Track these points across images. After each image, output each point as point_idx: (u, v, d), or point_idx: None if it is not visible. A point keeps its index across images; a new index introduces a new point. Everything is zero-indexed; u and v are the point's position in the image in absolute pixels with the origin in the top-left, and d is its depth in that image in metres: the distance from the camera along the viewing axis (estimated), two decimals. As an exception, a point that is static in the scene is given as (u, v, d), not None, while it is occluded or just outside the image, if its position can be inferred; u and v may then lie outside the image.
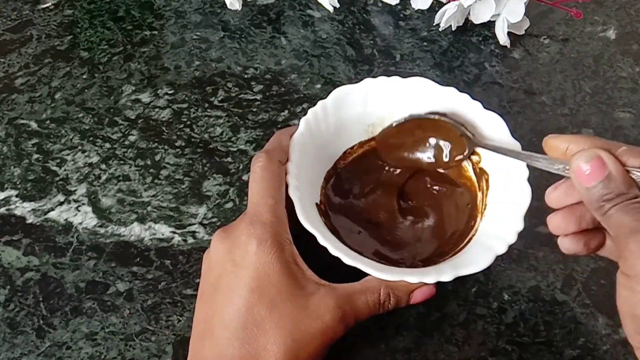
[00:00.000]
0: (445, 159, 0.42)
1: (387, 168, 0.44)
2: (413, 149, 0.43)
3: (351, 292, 0.36)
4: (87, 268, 0.43)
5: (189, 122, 0.50)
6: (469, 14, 0.54)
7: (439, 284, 0.36)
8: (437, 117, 0.42)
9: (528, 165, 0.38)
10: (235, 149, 0.49)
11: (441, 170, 0.44)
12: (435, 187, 0.43)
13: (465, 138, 0.41)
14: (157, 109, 0.51)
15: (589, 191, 0.31)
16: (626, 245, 0.29)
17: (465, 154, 0.41)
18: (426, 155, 0.43)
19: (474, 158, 0.42)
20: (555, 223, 0.35)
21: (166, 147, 0.49)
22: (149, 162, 0.48)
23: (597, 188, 0.31)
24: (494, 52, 0.55)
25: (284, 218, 0.37)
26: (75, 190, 0.47)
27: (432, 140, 0.42)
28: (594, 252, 0.35)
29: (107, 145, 0.49)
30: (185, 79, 0.53)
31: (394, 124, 0.43)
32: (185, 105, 0.51)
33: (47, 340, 0.40)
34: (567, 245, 0.35)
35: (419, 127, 0.43)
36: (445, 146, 0.42)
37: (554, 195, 0.35)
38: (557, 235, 0.35)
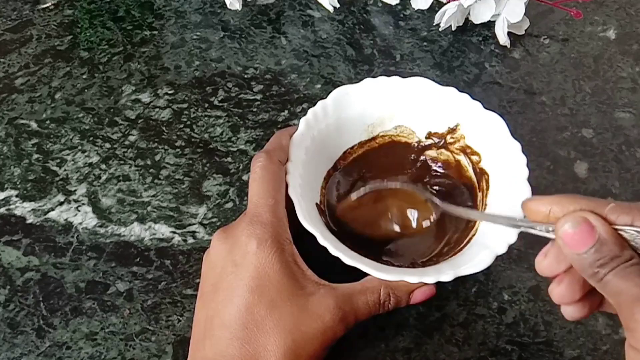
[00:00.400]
0: (414, 225, 0.41)
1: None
2: (378, 218, 0.41)
3: (351, 292, 0.36)
4: (87, 268, 0.43)
5: (189, 122, 0.50)
6: (469, 14, 0.54)
7: (439, 284, 0.36)
8: (398, 185, 0.41)
9: (527, 166, 0.38)
10: (235, 149, 0.49)
11: (441, 170, 0.44)
12: (435, 187, 0.43)
13: (430, 203, 0.40)
14: (157, 109, 0.51)
15: (581, 258, 0.28)
16: (632, 316, 0.27)
17: (432, 218, 0.40)
18: (393, 224, 0.41)
19: (474, 158, 0.42)
20: (559, 294, 0.31)
21: (166, 147, 0.49)
22: (149, 162, 0.48)
23: (589, 254, 0.28)
24: (494, 52, 0.55)
25: (284, 218, 0.37)
26: (75, 190, 0.47)
27: (396, 210, 0.41)
28: (596, 310, 0.33)
29: (107, 145, 0.49)
30: (185, 79, 0.53)
31: (352, 197, 0.41)
32: (185, 105, 0.51)
33: (47, 340, 0.40)
34: (572, 313, 0.32)
35: (380, 197, 0.41)
36: (412, 213, 0.41)
37: (545, 264, 0.32)
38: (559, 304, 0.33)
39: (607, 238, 0.28)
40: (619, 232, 0.28)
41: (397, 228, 0.41)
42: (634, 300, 0.27)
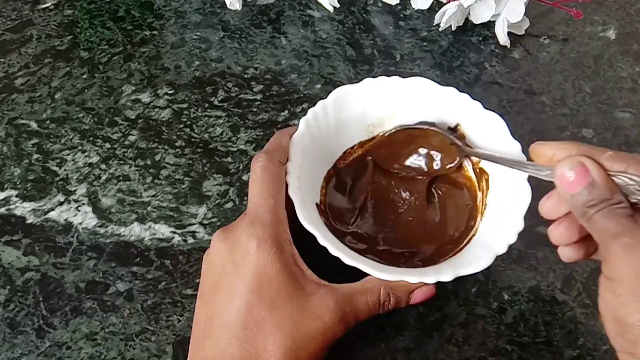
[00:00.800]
0: (437, 167, 0.42)
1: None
2: (404, 158, 0.43)
3: (351, 293, 0.36)
4: (87, 268, 0.43)
5: (189, 122, 0.50)
6: (469, 14, 0.54)
7: (439, 284, 0.36)
8: (426, 127, 0.42)
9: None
10: (235, 149, 0.49)
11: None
12: (435, 187, 0.43)
13: (455, 146, 0.41)
14: (157, 109, 0.51)
15: (574, 198, 0.31)
16: (608, 249, 0.29)
17: (455, 162, 0.42)
18: (417, 164, 0.43)
19: (474, 158, 0.42)
20: (558, 234, 0.35)
21: (166, 147, 0.49)
22: (149, 162, 0.48)
23: (582, 194, 0.31)
24: (494, 52, 0.55)
25: (284, 218, 0.37)
26: (75, 190, 0.47)
27: (423, 150, 0.43)
28: (591, 255, 0.35)
29: (107, 145, 0.49)
30: (185, 79, 0.53)
31: (385, 134, 0.43)
32: (185, 105, 0.51)
33: (47, 340, 0.40)
34: (569, 254, 0.35)
35: (408, 137, 0.43)
36: (436, 155, 0.42)
37: (547, 205, 0.35)
38: (547, 220, 0.36)
39: (599, 181, 0.31)
40: (612, 177, 0.31)
41: (423, 167, 0.43)
42: (613, 236, 0.29)
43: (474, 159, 0.42)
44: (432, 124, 0.43)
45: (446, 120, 0.43)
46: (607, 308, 0.29)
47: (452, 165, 0.42)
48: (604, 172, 0.31)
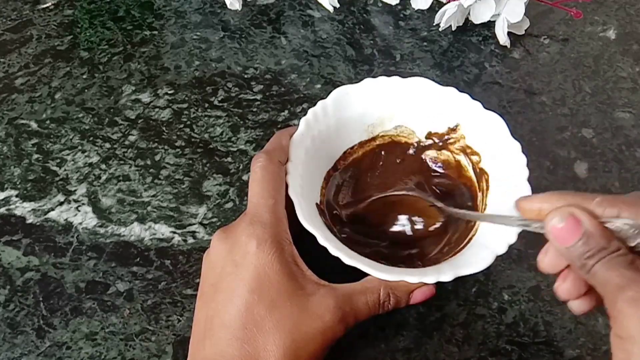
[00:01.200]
0: (420, 228, 0.42)
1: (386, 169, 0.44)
2: (385, 226, 0.42)
3: (351, 293, 0.36)
4: (87, 268, 0.43)
5: (189, 122, 0.50)
6: (469, 14, 0.54)
7: (439, 284, 0.36)
8: (402, 192, 0.42)
9: (527, 166, 0.38)
10: (235, 149, 0.49)
11: (441, 170, 0.44)
12: (435, 187, 0.43)
13: (435, 208, 0.41)
14: (157, 109, 0.51)
15: (569, 251, 0.30)
16: (614, 305, 0.28)
17: (439, 223, 0.41)
18: (400, 229, 0.42)
19: (474, 158, 0.42)
20: (565, 290, 0.33)
21: (166, 147, 0.49)
22: (149, 162, 0.48)
23: (577, 246, 0.30)
24: (494, 52, 0.55)
25: (284, 218, 0.37)
26: (75, 190, 0.47)
27: (402, 216, 0.42)
28: (602, 303, 0.33)
29: (107, 145, 0.49)
30: (185, 79, 0.53)
31: (361, 206, 0.42)
32: (185, 105, 0.51)
33: (47, 340, 0.40)
34: (580, 307, 0.33)
35: (385, 205, 0.42)
36: (417, 219, 0.42)
37: (546, 261, 0.33)
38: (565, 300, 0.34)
39: (593, 231, 0.29)
40: (606, 224, 0.29)
41: (408, 231, 0.42)
42: (617, 289, 0.28)
43: (474, 158, 0.42)
44: (410, 188, 0.42)
45: (445, 122, 0.43)
46: None
47: (437, 226, 0.41)
48: (596, 220, 0.29)
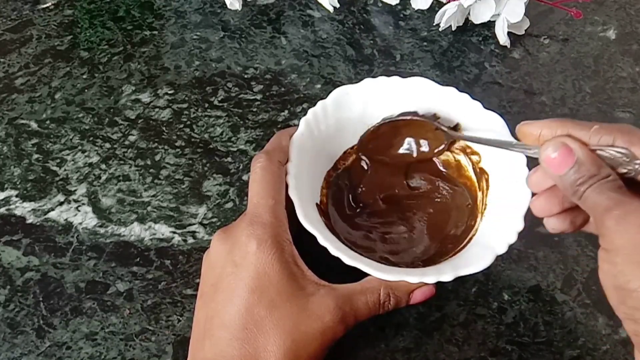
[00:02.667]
0: (425, 151, 0.43)
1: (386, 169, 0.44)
2: (393, 149, 0.44)
3: (351, 293, 0.36)
4: (87, 268, 0.43)
5: (189, 122, 0.50)
6: (469, 14, 0.54)
7: (439, 284, 0.36)
8: (409, 117, 0.43)
9: (527, 166, 0.38)
10: (235, 149, 0.49)
11: (442, 169, 0.44)
12: (435, 187, 0.44)
13: (440, 131, 0.42)
14: (157, 109, 0.51)
15: (562, 178, 0.32)
16: (602, 223, 0.30)
17: (443, 145, 0.42)
18: (406, 151, 0.44)
19: (474, 158, 0.42)
20: (539, 206, 0.36)
21: (166, 147, 0.49)
22: (149, 162, 0.48)
23: (569, 174, 0.32)
24: (494, 52, 0.55)
25: (284, 218, 0.37)
26: (75, 190, 0.47)
27: (409, 139, 0.43)
28: (580, 228, 0.36)
29: (107, 145, 0.49)
30: (185, 79, 0.53)
31: (370, 129, 0.43)
32: (185, 105, 0.51)
33: (47, 340, 0.40)
34: (553, 224, 0.36)
35: (393, 128, 0.43)
36: (423, 142, 0.43)
37: (534, 178, 0.35)
38: (542, 218, 0.36)
39: (584, 159, 0.32)
40: (599, 152, 0.32)
41: (413, 153, 0.43)
42: (605, 210, 0.30)
43: (474, 158, 0.42)
44: (415, 113, 0.43)
45: (445, 122, 0.43)
46: (608, 278, 0.30)
47: (440, 149, 0.43)
48: (588, 149, 0.32)
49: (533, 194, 0.36)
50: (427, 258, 0.40)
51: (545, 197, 0.35)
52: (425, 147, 0.43)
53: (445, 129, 0.41)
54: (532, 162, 0.35)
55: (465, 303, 0.42)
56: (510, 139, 0.38)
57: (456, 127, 0.43)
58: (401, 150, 0.44)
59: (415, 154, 0.43)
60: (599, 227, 0.30)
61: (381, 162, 0.44)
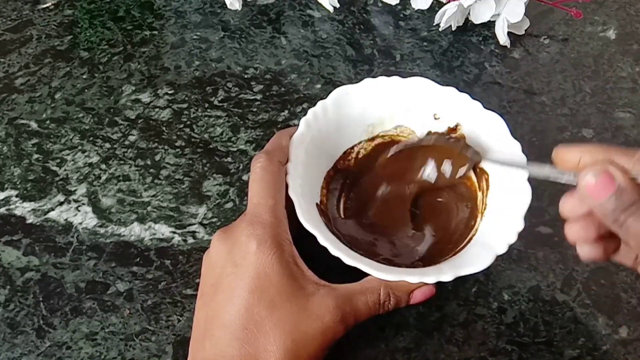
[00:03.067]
0: (447, 176, 0.42)
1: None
2: (413, 173, 0.43)
3: (351, 293, 0.36)
4: (87, 268, 0.43)
5: (189, 122, 0.50)
6: (469, 14, 0.54)
7: (439, 284, 0.36)
8: (432, 141, 0.42)
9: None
10: (235, 149, 0.49)
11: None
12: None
13: (464, 155, 0.41)
14: (157, 109, 0.51)
15: (602, 205, 0.31)
16: None
17: (465, 168, 0.41)
18: (427, 176, 0.42)
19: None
20: (575, 233, 0.34)
21: (166, 147, 0.49)
22: (149, 162, 0.48)
23: (610, 201, 0.30)
24: (494, 52, 0.55)
25: (284, 219, 0.37)
26: (75, 190, 0.47)
27: (431, 162, 0.42)
28: (611, 256, 0.35)
29: (107, 145, 0.49)
30: (185, 79, 0.53)
31: (390, 154, 0.42)
32: (185, 105, 0.51)
33: (47, 340, 0.40)
34: (588, 252, 0.34)
35: (414, 153, 0.42)
36: (446, 165, 0.42)
37: (568, 205, 0.34)
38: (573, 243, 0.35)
39: (626, 186, 0.30)
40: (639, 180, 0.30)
41: (432, 179, 0.42)
42: None
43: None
44: (442, 135, 0.41)
45: (445, 122, 0.43)
46: None
47: (463, 173, 0.41)
48: (629, 177, 0.30)
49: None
50: (427, 258, 0.40)
51: (582, 224, 0.33)
52: (447, 170, 0.42)
53: (471, 156, 0.40)
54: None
55: (465, 303, 0.42)
56: (541, 164, 0.36)
57: (456, 127, 0.43)
58: (421, 176, 0.42)
59: (434, 180, 0.42)
60: None
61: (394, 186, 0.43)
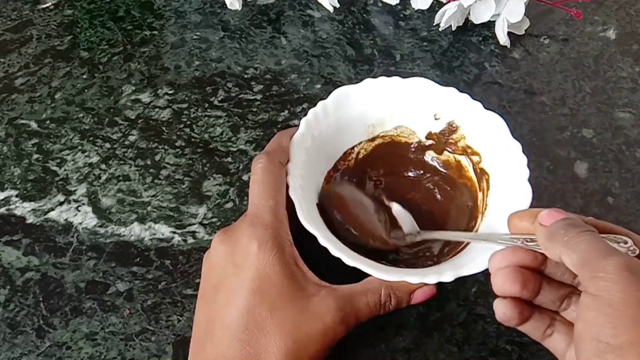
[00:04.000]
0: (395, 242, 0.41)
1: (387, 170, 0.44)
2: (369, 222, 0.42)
3: (352, 293, 0.36)
4: (87, 268, 0.43)
5: (189, 122, 0.50)
6: (469, 14, 0.54)
7: (439, 284, 0.36)
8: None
9: (528, 166, 0.38)
10: (235, 149, 0.49)
11: (442, 170, 0.44)
12: (436, 188, 0.44)
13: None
14: (157, 109, 0.51)
15: (553, 225, 0.31)
16: (602, 267, 0.27)
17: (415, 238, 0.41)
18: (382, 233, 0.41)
19: (474, 158, 0.42)
20: (500, 281, 0.33)
21: (166, 147, 0.49)
22: (149, 162, 0.48)
23: (559, 223, 0.31)
24: (494, 52, 0.55)
25: (285, 219, 0.37)
26: (75, 190, 0.47)
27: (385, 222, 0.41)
28: (521, 323, 0.34)
29: (107, 145, 0.49)
30: (185, 79, 0.53)
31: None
32: (185, 105, 0.51)
33: (47, 340, 0.40)
34: (503, 308, 0.33)
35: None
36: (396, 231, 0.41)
37: (497, 257, 0.34)
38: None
39: (574, 217, 0.32)
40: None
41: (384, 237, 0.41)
42: (605, 254, 0.28)
43: (475, 158, 0.42)
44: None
45: (445, 122, 0.43)
46: (589, 328, 0.27)
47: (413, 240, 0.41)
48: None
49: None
50: (426, 258, 0.40)
51: (508, 271, 0.33)
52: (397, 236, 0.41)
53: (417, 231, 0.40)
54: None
55: (465, 303, 0.42)
56: (497, 231, 0.37)
57: (456, 128, 0.43)
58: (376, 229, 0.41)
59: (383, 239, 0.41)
60: (593, 270, 0.28)
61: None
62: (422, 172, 0.44)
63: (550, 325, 0.34)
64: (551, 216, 0.32)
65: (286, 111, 0.51)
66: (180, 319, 0.41)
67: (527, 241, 0.33)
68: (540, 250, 0.32)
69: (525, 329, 0.34)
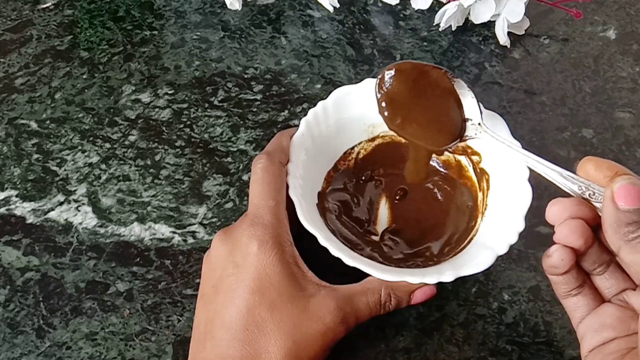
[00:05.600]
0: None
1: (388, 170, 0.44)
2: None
3: (352, 293, 0.36)
4: (87, 268, 0.43)
5: (189, 122, 0.50)
6: (469, 14, 0.54)
7: (439, 284, 0.36)
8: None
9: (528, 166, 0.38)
10: (235, 149, 0.49)
11: (442, 170, 0.44)
12: (436, 188, 0.43)
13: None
14: (157, 109, 0.51)
15: (620, 213, 0.29)
16: None
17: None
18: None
19: (475, 158, 0.42)
20: (567, 231, 0.32)
21: (166, 147, 0.49)
22: (149, 162, 0.48)
23: (632, 213, 0.28)
24: (494, 52, 0.55)
25: (285, 219, 0.37)
26: (75, 190, 0.47)
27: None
28: (566, 273, 0.33)
29: (107, 145, 0.49)
30: (185, 79, 0.53)
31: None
32: (185, 105, 0.51)
33: (47, 340, 0.40)
34: (562, 255, 0.32)
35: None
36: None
37: (555, 210, 0.33)
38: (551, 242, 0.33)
39: None
40: None
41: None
42: None
43: (475, 158, 0.42)
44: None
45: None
46: None
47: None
48: None
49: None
50: (427, 258, 0.40)
51: (573, 225, 0.32)
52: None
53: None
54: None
55: (465, 303, 0.42)
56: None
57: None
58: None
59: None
60: None
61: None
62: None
63: (579, 286, 0.33)
64: (628, 198, 0.28)
65: (286, 111, 0.51)
66: (180, 319, 0.41)
67: (588, 189, 0.32)
68: (598, 208, 0.31)
69: (558, 279, 0.34)
